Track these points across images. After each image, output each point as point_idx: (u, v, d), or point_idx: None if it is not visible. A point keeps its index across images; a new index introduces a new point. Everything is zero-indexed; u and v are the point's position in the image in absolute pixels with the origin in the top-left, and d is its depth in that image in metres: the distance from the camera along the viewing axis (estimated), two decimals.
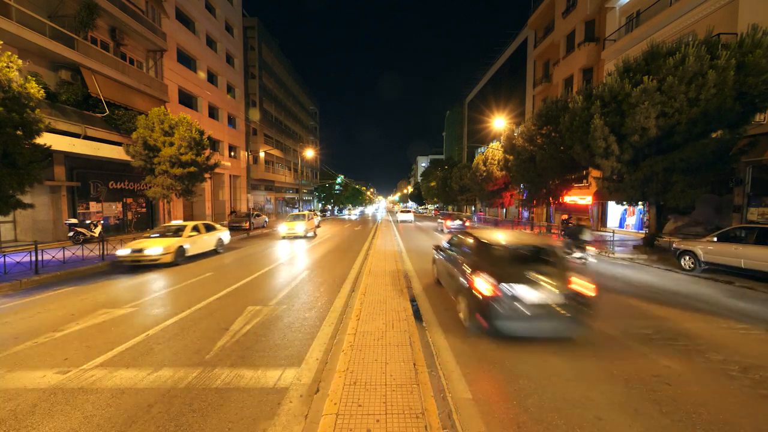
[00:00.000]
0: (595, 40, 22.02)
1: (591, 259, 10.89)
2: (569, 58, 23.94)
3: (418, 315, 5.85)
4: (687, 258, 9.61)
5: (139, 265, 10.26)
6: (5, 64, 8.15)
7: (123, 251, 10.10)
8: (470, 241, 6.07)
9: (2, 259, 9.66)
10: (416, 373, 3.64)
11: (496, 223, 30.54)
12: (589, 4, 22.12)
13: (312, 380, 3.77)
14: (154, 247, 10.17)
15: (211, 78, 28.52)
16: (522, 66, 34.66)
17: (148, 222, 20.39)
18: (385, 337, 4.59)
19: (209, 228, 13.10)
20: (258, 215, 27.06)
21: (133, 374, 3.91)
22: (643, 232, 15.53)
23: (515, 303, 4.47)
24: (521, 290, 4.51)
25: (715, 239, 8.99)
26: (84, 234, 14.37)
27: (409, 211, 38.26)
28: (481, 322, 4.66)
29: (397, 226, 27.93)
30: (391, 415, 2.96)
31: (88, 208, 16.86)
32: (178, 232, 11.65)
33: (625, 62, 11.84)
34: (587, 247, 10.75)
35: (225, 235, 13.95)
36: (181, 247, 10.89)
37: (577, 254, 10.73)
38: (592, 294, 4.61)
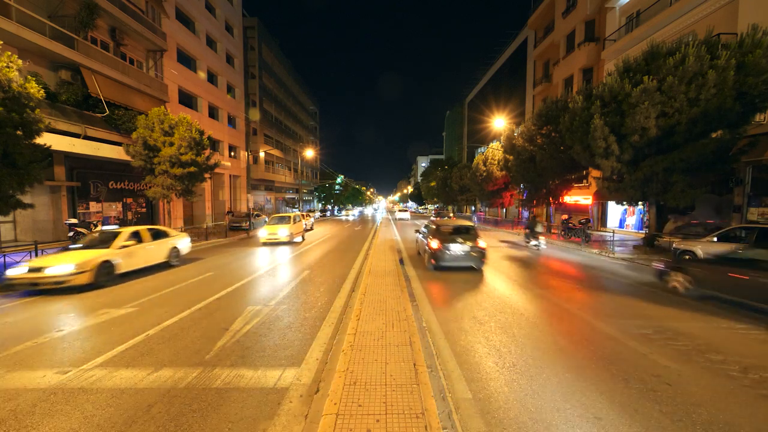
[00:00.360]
0: (595, 40, 22.02)
1: (543, 246, 14.36)
2: (569, 58, 23.94)
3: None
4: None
5: (39, 290, 7.50)
6: (5, 64, 8.16)
7: (16, 270, 7.39)
8: (432, 226, 10.48)
9: (2, 259, 9.66)
10: (416, 373, 3.64)
11: (497, 223, 30.53)
12: (589, 4, 22.12)
13: (312, 380, 3.77)
14: (61, 264, 7.44)
15: (211, 78, 28.52)
16: (522, 66, 34.67)
17: (148, 222, 20.39)
18: (385, 337, 4.59)
19: (158, 234, 10.39)
20: (258, 215, 26.94)
21: (133, 374, 3.92)
22: (643, 232, 15.53)
23: (448, 252, 9.27)
24: (452, 246, 9.30)
25: (715, 239, 8.99)
26: (84, 234, 14.35)
27: (406, 210, 45.97)
28: (432, 263, 9.54)
29: (396, 223, 33.76)
30: (391, 415, 2.96)
31: (88, 208, 16.86)
32: (107, 241, 8.89)
33: (625, 62, 11.85)
34: (539, 237, 14.37)
35: (183, 242, 11.40)
36: (107, 262, 8.13)
37: (533, 242, 14.44)
38: (485, 246, 9.47)
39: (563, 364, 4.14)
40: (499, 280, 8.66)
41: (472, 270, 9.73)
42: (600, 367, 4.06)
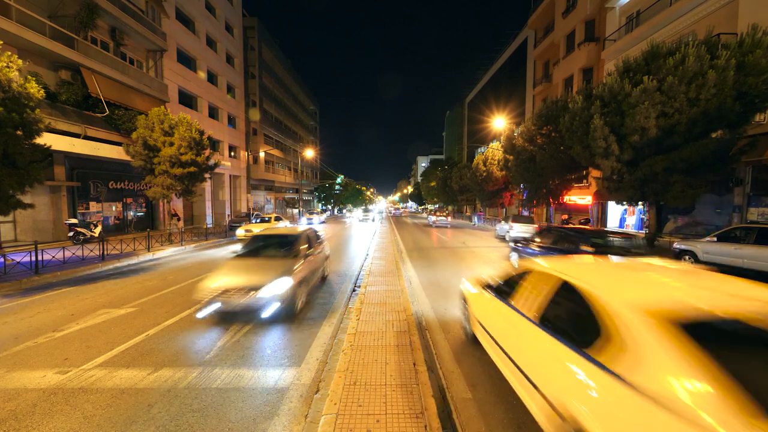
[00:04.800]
0: (595, 40, 22.01)
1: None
2: (569, 58, 23.94)
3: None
4: (687, 258, 9.62)
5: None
6: (5, 64, 8.15)
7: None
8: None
9: (2, 259, 9.66)
10: (416, 373, 3.64)
11: (496, 224, 30.67)
12: (589, 4, 22.11)
13: (312, 380, 3.78)
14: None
15: (211, 78, 28.52)
16: (522, 66, 34.66)
17: (148, 222, 20.40)
18: (385, 337, 4.59)
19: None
20: (258, 215, 27.11)
21: (133, 374, 3.92)
22: (643, 232, 15.53)
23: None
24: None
25: (715, 239, 9.00)
26: (84, 234, 14.37)
27: (399, 209, 64.53)
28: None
29: (392, 218, 46.86)
30: (391, 415, 2.96)
31: (88, 208, 16.86)
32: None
33: (625, 62, 11.84)
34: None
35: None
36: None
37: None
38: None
39: None
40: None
41: None
42: None
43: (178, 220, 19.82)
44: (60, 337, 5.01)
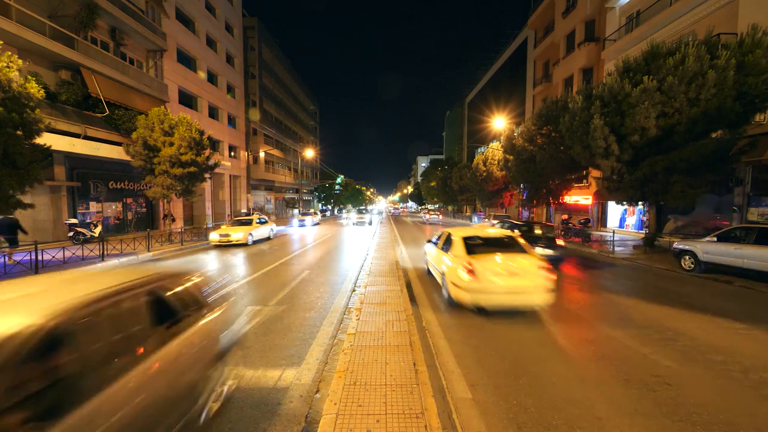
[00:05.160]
0: (595, 40, 22.02)
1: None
2: (569, 58, 23.94)
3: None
4: (687, 258, 9.61)
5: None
6: (5, 64, 8.15)
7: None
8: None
9: (2, 258, 9.66)
10: (416, 373, 3.64)
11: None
12: (589, 4, 22.12)
13: (312, 380, 3.77)
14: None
15: (211, 78, 28.52)
16: (522, 66, 34.66)
17: (148, 222, 20.39)
18: (385, 337, 4.59)
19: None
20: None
21: None
22: (643, 232, 15.53)
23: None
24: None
25: (715, 239, 8.99)
26: (84, 234, 14.37)
27: (399, 209, 69.79)
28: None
29: (392, 217, 49.03)
30: (391, 415, 2.95)
31: (88, 208, 16.86)
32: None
33: (625, 62, 11.85)
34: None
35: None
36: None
37: None
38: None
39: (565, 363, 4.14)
40: None
41: None
42: (600, 368, 4.07)
43: (173, 220, 19.56)
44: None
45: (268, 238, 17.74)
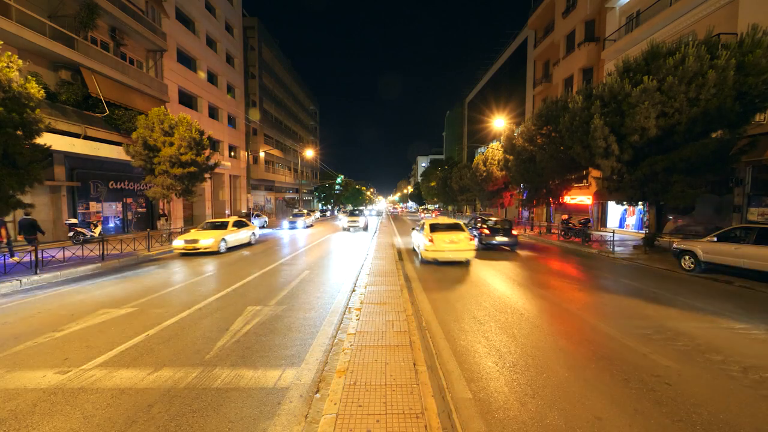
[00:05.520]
0: (595, 40, 22.02)
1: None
2: (569, 58, 23.94)
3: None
4: (687, 258, 9.61)
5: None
6: (5, 64, 8.15)
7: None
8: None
9: (2, 258, 9.66)
10: (416, 373, 3.64)
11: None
12: (589, 4, 22.12)
13: (312, 380, 3.77)
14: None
15: (211, 78, 28.52)
16: (522, 66, 34.65)
17: (148, 222, 20.39)
18: (385, 337, 4.59)
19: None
20: (258, 215, 27.30)
21: (134, 374, 3.92)
22: (643, 232, 15.53)
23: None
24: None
25: (715, 239, 8.99)
26: (84, 234, 14.38)
27: (398, 209, 74.71)
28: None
29: (391, 216, 51.68)
30: (391, 415, 2.96)
31: (88, 208, 16.86)
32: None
33: (625, 62, 11.84)
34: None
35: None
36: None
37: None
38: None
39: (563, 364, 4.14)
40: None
41: None
42: (600, 368, 4.07)
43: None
44: (60, 337, 5.01)
45: (249, 244, 15.52)
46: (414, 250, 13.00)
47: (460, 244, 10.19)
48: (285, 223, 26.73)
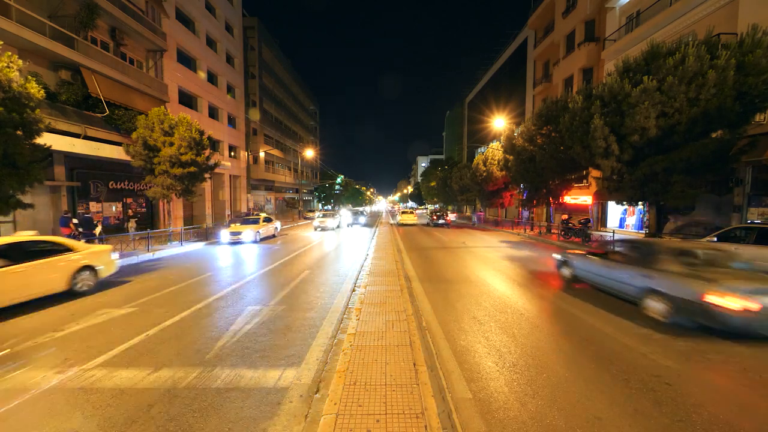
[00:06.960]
0: (595, 40, 22.01)
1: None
2: (569, 58, 23.93)
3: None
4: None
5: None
6: (5, 64, 8.15)
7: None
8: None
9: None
10: (416, 373, 3.64)
11: (497, 223, 30.56)
12: (589, 4, 22.10)
13: (312, 380, 3.77)
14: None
15: (211, 78, 28.51)
16: (522, 66, 34.64)
17: (148, 222, 20.38)
18: (385, 337, 4.59)
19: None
20: (257, 215, 27.21)
21: (134, 374, 3.92)
22: (643, 232, 15.52)
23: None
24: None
25: (715, 239, 8.99)
26: (84, 234, 14.34)
27: (396, 208, 77.12)
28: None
29: (389, 212, 58.23)
30: (391, 415, 2.96)
31: (88, 208, 16.85)
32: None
33: (625, 62, 11.83)
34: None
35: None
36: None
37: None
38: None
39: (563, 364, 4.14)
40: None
41: None
42: (601, 368, 4.07)
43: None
44: (60, 337, 5.01)
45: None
46: (397, 224, 30.33)
47: (410, 218, 29.21)
48: (224, 234, 16.60)
